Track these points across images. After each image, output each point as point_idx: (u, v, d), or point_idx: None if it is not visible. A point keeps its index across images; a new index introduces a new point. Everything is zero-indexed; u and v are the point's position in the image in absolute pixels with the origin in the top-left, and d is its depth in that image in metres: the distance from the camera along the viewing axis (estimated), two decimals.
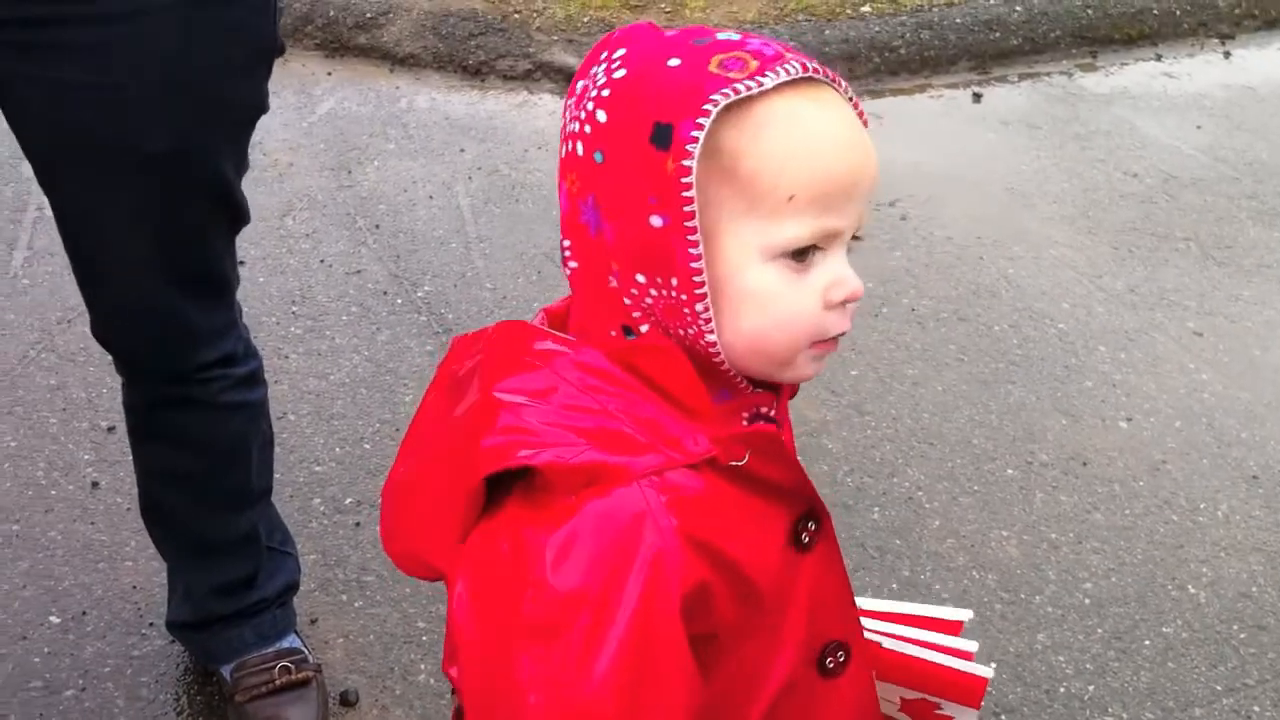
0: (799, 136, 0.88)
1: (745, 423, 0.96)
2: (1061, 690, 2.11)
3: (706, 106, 0.85)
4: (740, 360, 0.93)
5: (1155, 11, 4.57)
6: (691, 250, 0.88)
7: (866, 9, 4.40)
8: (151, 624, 2.13)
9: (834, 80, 0.92)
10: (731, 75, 0.87)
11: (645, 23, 0.95)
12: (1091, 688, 2.12)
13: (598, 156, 0.90)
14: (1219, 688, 2.13)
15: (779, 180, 0.87)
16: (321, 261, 3.08)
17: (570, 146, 0.93)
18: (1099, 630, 2.22)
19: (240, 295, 1.78)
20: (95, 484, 2.40)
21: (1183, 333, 3.02)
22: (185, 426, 1.79)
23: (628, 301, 0.93)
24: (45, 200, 1.56)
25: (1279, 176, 3.74)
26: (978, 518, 2.44)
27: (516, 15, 4.28)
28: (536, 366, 0.94)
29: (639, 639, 0.88)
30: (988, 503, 2.49)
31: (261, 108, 1.57)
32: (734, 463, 0.92)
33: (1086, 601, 2.28)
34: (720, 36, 0.91)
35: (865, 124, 0.93)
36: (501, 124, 3.80)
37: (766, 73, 0.87)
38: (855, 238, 0.93)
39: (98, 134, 1.42)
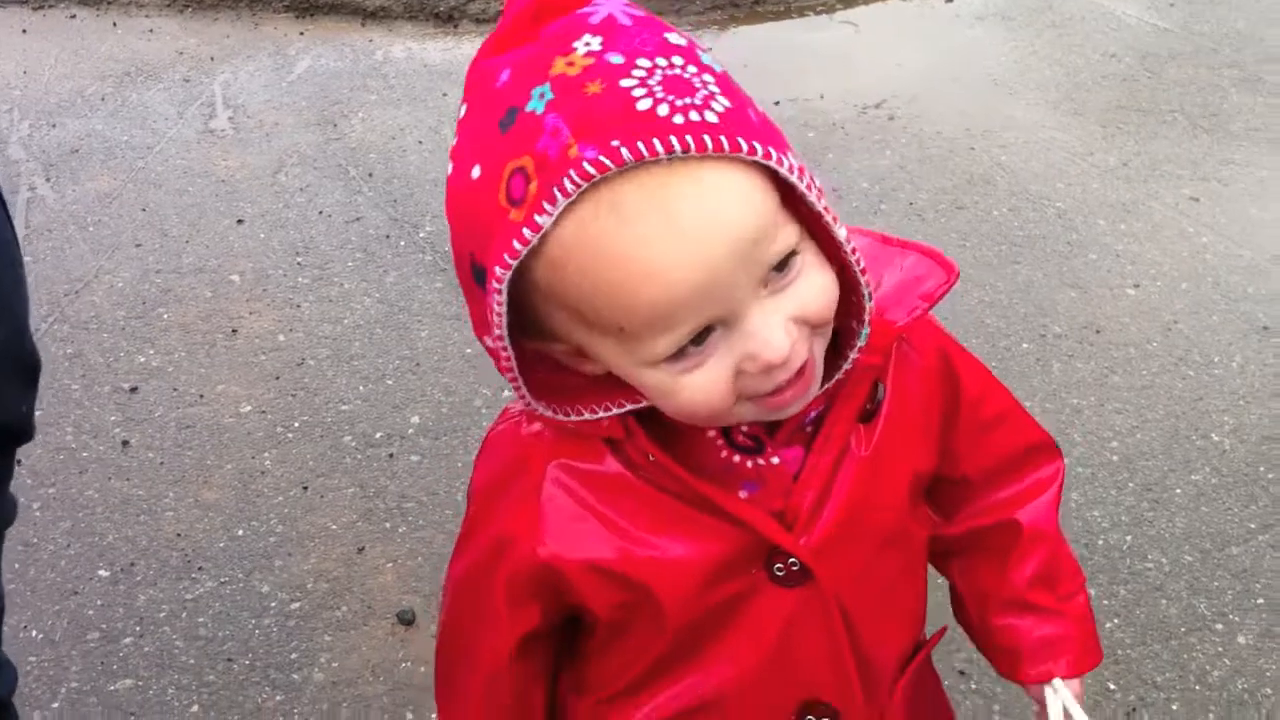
0: (595, 272, 0.71)
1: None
2: (1100, 543, 2.14)
3: (499, 271, 0.72)
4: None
5: None
6: (505, 363, 0.79)
7: None
8: (201, 568, 2.15)
9: (661, 134, 0.69)
10: (512, 217, 0.71)
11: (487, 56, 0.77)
12: (1129, 538, 2.15)
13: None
14: (1253, 525, 2.16)
15: (599, 317, 0.74)
16: (320, 213, 3.08)
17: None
18: (1130, 484, 2.26)
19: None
20: (125, 442, 2.41)
21: (1179, 199, 3.04)
22: None
23: None
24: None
25: (1257, 43, 3.76)
26: None
27: None
28: None
29: (474, 563, 0.95)
30: (1006, 376, 2.49)
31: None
32: (650, 456, 0.85)
33: (1115, 459, 2.31)
34: (530, 106, 0.72)
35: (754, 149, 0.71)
36: None
37: (543, 203, 0.70)
38: (790, 255, 0.75)
39: None
